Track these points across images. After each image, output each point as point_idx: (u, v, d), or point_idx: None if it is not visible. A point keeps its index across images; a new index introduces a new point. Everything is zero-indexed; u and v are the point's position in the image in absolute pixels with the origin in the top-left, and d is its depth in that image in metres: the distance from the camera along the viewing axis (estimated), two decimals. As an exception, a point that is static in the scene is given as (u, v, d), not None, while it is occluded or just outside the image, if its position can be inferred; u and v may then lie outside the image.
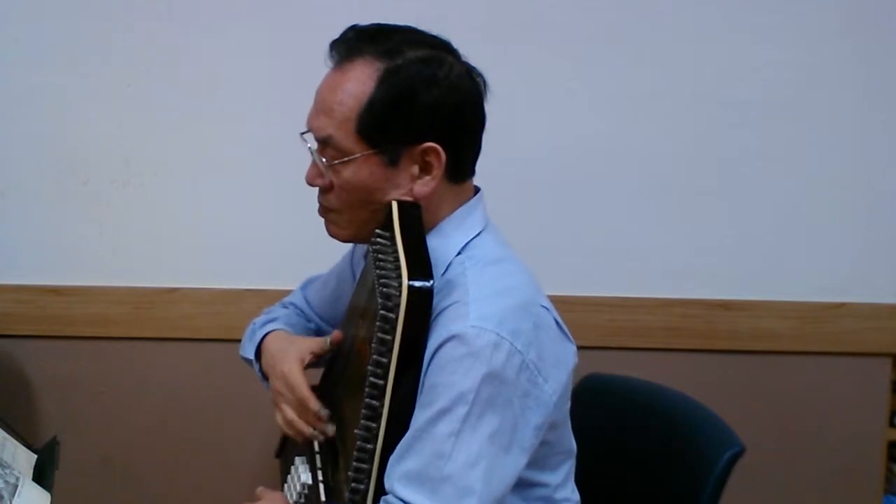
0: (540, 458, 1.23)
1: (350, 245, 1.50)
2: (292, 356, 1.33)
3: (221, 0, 1.84)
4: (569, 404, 1.28)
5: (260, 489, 1.35)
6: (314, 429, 1.28)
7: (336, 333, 1.33)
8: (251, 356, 1.46)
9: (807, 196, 1.93)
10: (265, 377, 1.43)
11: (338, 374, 1.34)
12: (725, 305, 1.94)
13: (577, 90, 1.88)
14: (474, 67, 1.27)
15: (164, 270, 1.90)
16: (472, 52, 1.31)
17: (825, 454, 1.99)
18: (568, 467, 1.30)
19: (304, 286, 1.59)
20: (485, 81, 1.27)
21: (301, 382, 1.29)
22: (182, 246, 1.90)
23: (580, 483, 1.35)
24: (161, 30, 1.84)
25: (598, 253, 1.92)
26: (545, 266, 1.70)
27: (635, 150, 1.90)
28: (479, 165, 1.34)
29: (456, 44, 1.30)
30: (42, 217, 1.88)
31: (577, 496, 1.32)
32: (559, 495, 1.28)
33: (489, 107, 1.31)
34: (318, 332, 1.51)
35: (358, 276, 1.40)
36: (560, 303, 1.31)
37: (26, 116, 1.86)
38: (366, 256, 1.29)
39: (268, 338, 1.43)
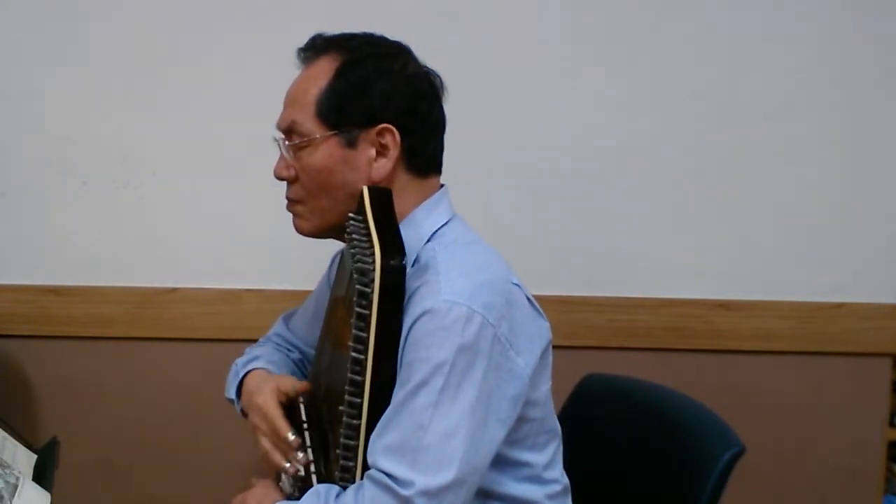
0: (526, 437, 1.26)
1: (327, 267, 1.56)
2: (267, 391, 1.36)
3: (222, 0, 1.84)
4: (549, 384, 1.29)
5: (254, 479, 1.37)
6: (287, 463, 1.30)
7: (303, 385, 1.36)
8: (233, 396, 1.49)
9: (807, 196, 1.93)
10: (245, 414, 1.45)
11: (325, 371, 1.35)
12: (725, 305, 1.94)
13: (576, 90, 1.88)
14: (432, 70, 1.33)
15: (164, 270, 1.90)
16: (472, 51, 1.32)
17: (825, 454, 1.99)
18: (555, 447, 1.31)
19: (286, 317, 1.62)
20: (442, 83, 1.34)
21: (275, 413, 1.32)
22: (181, 246, 1.90)
23: (580, 482, 1.35)
24: (161, 30, 1.84)
25: (598, 253, 1.92)
26: (545, 266, 1.71)
27: (635, 150, 1.90)
28: (480, 166, 1.34)
29: (456, 43, 1.31)
30: (42, 217, 1.88)
31: (565, 480, 1.33)
32: (548, 475, 1.29)
33: (489, 108, 1.32)
34: (302, 361, 1.55)
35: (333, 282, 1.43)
36: (560, 303, 1.32)
37: (26, 116, 1.86)
38: (340, 268, 1.33)
39: (247, 377, 1.46)
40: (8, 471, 1.23)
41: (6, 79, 1.85)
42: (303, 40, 1.37)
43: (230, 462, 1.92)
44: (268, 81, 1.82)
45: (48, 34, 1.84)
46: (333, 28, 1.36)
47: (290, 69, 1.36)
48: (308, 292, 1.69)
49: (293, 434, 1.29)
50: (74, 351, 1.91)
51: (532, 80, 1.87)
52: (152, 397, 1.93)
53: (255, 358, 1.50)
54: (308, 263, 1.84)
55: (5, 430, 1.34)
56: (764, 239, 1.94)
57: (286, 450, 1.31)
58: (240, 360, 1.52)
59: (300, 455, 1.28)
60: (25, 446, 1.35)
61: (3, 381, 1.89)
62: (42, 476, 1.30)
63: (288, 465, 1.29)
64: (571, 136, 1.89)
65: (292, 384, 1.36)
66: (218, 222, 1.90)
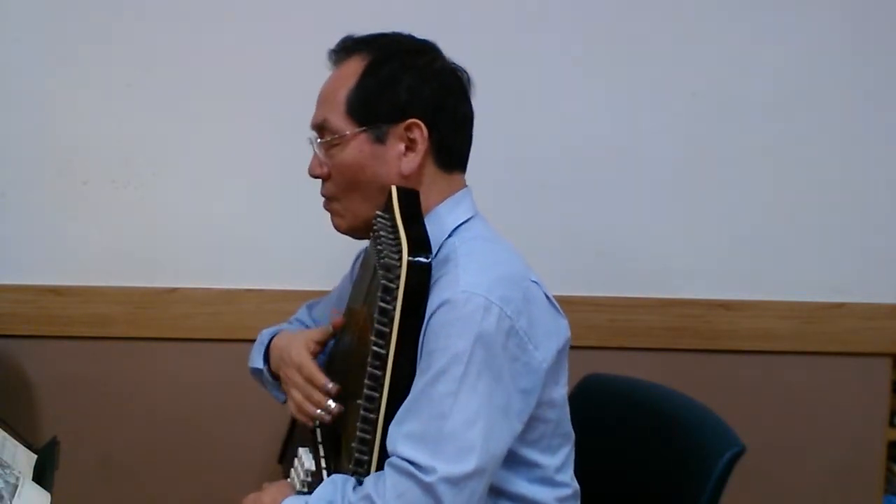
0: (541, 438, 1.26)
1: (350, 263, 1.56)
2: (299, 344, 1.37)
3: (222, 1, 1.84)
4: (566, 388, 1.30)
5: (266, 483, 1.37)
6: (321, 410, 1.30)
7: (337, 318, 1.37)
8: (259, 364, 1.50)
9: (807, 196, 1.93)
10: (275, 377, 1.45)
11: (341, 363, 1.35)
12: (725, 305, 1.94)
13: (577, 90, 1.88)
14: (458, 66, 1.35)
15: (164, 270, 1.90)
16: (474, 51, 1.32)
17: (825, 454, 1.99)
18: (567, 451, 1.32)
19: (309, 305, 1.64)
20: (469, 78, 1.35)
21: (308, 362, 1.33)
22: (182, 246, 1.90)
23: (580, 482, 1.35)
24: (161, 30, 1.84)
25: (598, 253, 1.92)
26: (545, 266, 1.70)
27: (635, 150, 1.90)
28: (480, 165, 1.34)
29: (459, 43, 1.32)
30: (42, 217, 1.88)
31: (576, 485, 1.34)
32: (559, 478, 1.30)
33: (489, 108, 1.33)
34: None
35: (354, 282, 1.44)
36: (560, 303, 1.31)
37: (26, 116, 1.86)
38: (362, 266, 1.34)
39: (274, 339, 1.47)
40: (8, 471, 1.23)
41: (6, 79, 1.85)
42: (303, 40, 1.37)
43: (231, 462, 1.93)
44: (268, 82, 1.83)
45: (48, 34, 1.84)
46: (333, 29, 1.36)
47: (291, 69, 1.37)
48: (309, 292, 1.70)
49: (330, 383, 1.30)
50: (74, 351, 1.91)
51: (532, 80, 1.87)
52: (152, 397, 1.93)
53: (281, 330, 1.52)
54: (309, 263, 1.85)
55: (5, 430, 1.34)
56: (764, 239, 1.94)
57: (320, 399, 1.31)
58: (265, 331, 1.54)
59: (333, 405, 1.28)
60: (25, 446, 1.35)
61: (3, 381, 1.89)
62: (42, 476, 1.30)
63: (320, 411, 1.29)
64: (571, 137, 1.89)
65: (314, 336, 1.37)
66: (218, 222, 1.90)
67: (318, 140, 1.32)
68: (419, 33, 1.36)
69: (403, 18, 1.38)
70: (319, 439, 1.35)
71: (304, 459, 1.34)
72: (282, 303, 1.83)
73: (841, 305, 1.95)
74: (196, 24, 1.84)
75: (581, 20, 1.86)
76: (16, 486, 1.22)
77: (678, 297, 1.93)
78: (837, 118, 1.91)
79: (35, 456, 1.34)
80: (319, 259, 1.77)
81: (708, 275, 1.94)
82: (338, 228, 1.36)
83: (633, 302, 1.93)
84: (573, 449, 1.34)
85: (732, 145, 1.91)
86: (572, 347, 1.30)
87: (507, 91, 1.85)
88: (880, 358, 1.98)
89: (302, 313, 1.63)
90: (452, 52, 1.36)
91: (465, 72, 1.35)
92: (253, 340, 1.57)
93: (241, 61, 1.84)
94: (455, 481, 1.12)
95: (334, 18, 1.41)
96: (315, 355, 1.36)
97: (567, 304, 1.86)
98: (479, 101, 1.37)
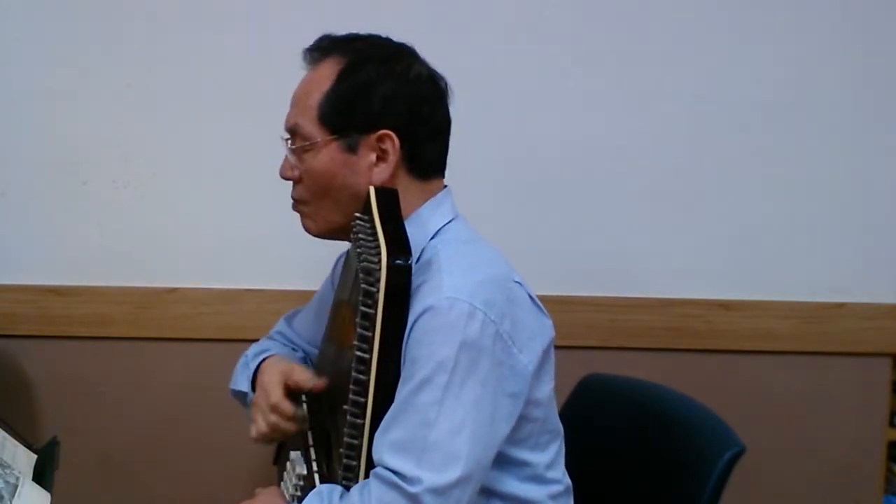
0: (528, 437, 1.26)
1: (330, 268, 1.56)
2: (276, 373, 1.36)
3: (222, 0, 1.84)
4: (552, 384, 1.29)
5: (258, 489, 1.37)
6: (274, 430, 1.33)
7: (318, 383, 1.33)
8: (244, 388, 1.47)
9: (807, 196, 1.93)
10: None
11: (330, 366, 1.35)
12: (725, 305, 1.94)
13: (577, 90, 1.88)
14: (436, 71, 1.33)
15: (164, 270, 1.90)
16: (475, 51, 1.32)
17: (825, 454, 1.99)
18: (557, 447, 1.32)
19: (288, 317, 1.62)
20: (447, 84, 1.33)
21: (275, 391, 1.32)
22: (182, 246, 1.90)
23: (580, 482, 1.36)
24: (161, 30, 1.84)
25: (598, 253, 1.92)
26: (546, 266, 1.71)
27: (635, 150, 1.90)
28: (480, 165, 1.34)
29: (459, 43, 1.31)
30: (42, 217, 1.88)
31: (568, 480, 1.34)
32: (550, 475, 1.30)
33: (489, 108, 1.33)
34: (305, 360, 1.53)
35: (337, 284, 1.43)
36: (560, 303, 1.32)
37: (26, 116, 1.86)
38: (345, 267, 1.34)
39: (263, 364, 1.44)
40: (8, 471, 1.23)
41: (6, 79, 1.85)
42: (303, 40, 1.37)
43: (231, 462, 1.92)
44: (268, 82, 1.82)
45: (48, 34, 1.84)
46: (332, 28, 1.36)
47: (291, 70, 1.36)
48: (308, 292, 1.70)
49: (298, 410, 1.31)
50: (75, 351, 1.91)
51: (531, 80, 1.86)
52: (152, 397, 1.93)
53: (266, 350, 1.50)
54: (308, 263, 1.85)
55: (5, 430, 1.34)
56: (764, 239, 1.94)
57: (287, 427, 1.32)
58: (249, 352, 1.52)
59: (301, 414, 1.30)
60: (25, 446, 1.35)
61: (3, 381, 1.89)
62: (42, 476, 1.30)
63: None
64: (571, 136, 1.89)
65: (296, 376, 1.34)
66: (218, 222, 1.90)
67: (290, 144, 1.31)
68: (419, 34, 1.35)
69: (404, 19, 1.38)
70: (311, 442, 1.34)
71: (296, 464, 1.34)
72: (282, 303, 1.82)
73: (841, 305, 1.95)
74: (196, 25, 1.84)
75: (581, 20, 1.86)
76: (16, 486, 1.22)
77: (678, 297, 1.93)
78: (837, 118, 1.91)
79: (35, 456, 1.34)
80: (320, 259, 1.76)
81: (708, 275, 1.94)
82: (308, 230, 1.35)
83: (633, 302, 1.93)
84: (563, 444, 1.34)
85: (732, 145, 1.91)
86: (572, 347, 1.30)
87: (508, 91, 1.85)
88: (880, 358, 1.98)
89: (282, 325, 1.60)
90: (452, 52, 1.35)
91: (442, 78, 1.33)
92: (253, 340, 1.57)
93: (241, 62, 1.84)
94: (440, 491, 1.11)
95: (335, 19, 1.41)
96: (289, 392, 1.34)
97: (567, 304, 1.88)
98: (478, 102, 1.37)
